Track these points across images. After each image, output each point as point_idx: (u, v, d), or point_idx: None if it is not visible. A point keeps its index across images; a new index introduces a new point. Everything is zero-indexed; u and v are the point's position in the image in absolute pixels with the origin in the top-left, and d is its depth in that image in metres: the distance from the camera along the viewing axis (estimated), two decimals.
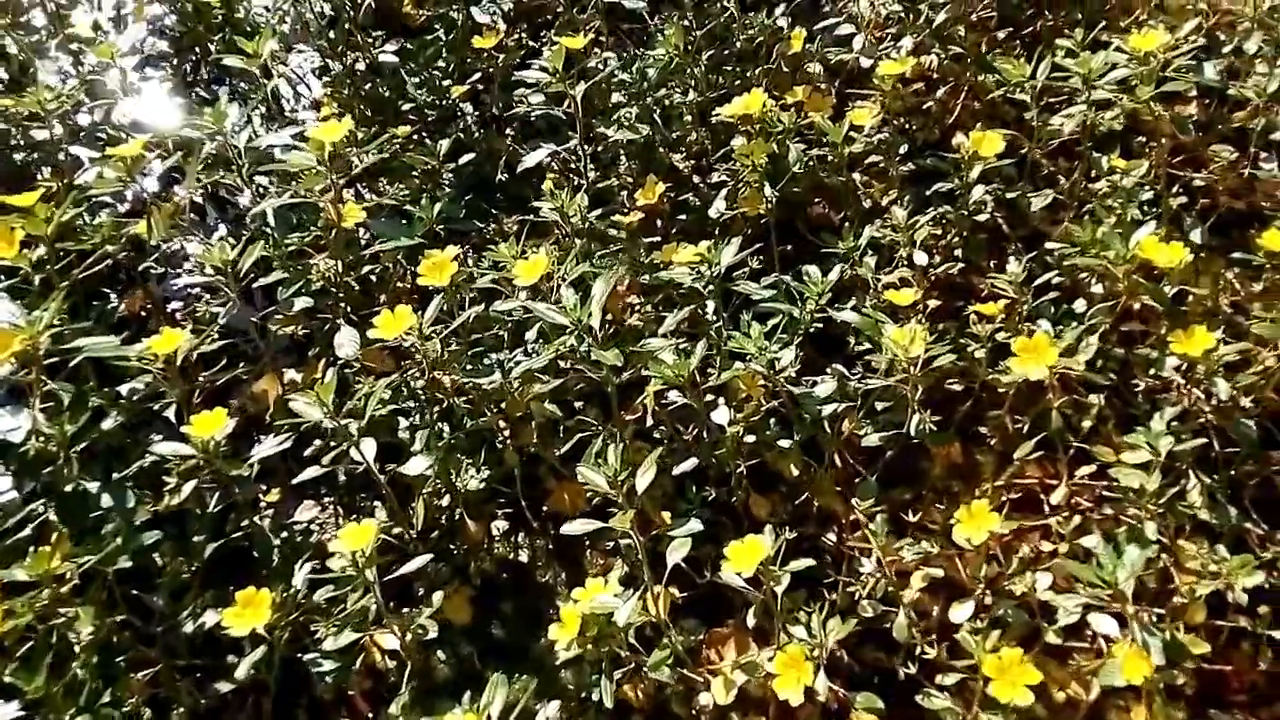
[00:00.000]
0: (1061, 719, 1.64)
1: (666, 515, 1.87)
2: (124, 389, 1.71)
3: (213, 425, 1.52)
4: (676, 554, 1.50)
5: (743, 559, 1.44)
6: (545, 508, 2.00)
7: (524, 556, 1.99)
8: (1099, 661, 1.58)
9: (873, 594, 1.65)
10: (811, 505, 1.90)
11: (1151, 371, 1.80)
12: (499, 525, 2.03)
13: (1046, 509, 1.84)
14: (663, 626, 1.54)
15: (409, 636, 1.49)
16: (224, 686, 1.48)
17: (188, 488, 1.52)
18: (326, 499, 2.07)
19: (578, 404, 2.08)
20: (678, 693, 1.77)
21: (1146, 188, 2.05)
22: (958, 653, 1.52)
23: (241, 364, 1.89)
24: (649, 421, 1.91)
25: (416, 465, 1.58)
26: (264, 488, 1.98)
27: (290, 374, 2.12)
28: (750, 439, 1.77)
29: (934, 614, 1.73)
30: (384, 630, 1.51)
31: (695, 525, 1.45)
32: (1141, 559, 1.38)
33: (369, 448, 1.62)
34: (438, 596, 1.53)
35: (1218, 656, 1.61)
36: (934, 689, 1.51)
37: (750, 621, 1.61)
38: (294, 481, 1.65)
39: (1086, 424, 1.89)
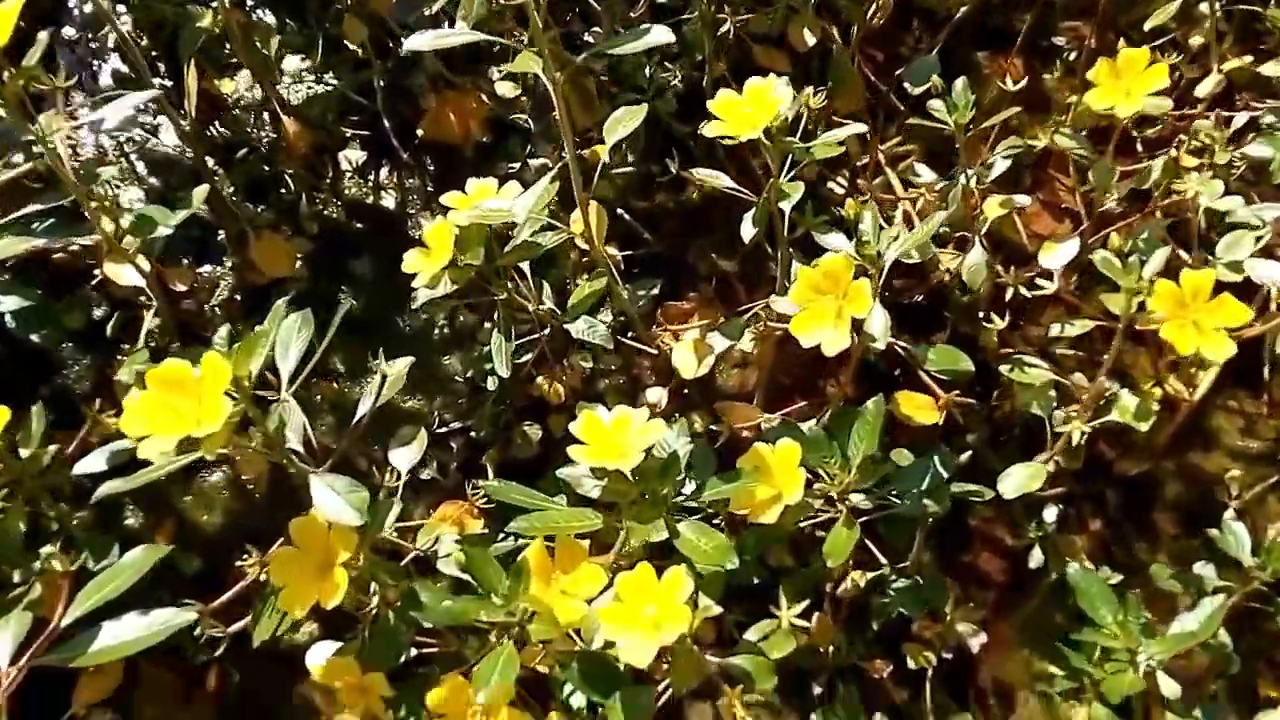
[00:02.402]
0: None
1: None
2: None
3: None
4: (624, 127, 0.85)
5: (741, 118, 0.79)
6: (421, 134, 1.33)
7: (390, 201, 1.35)
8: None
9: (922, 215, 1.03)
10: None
11: None
12: (352, 156, 1.36)
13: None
14: (592, 250, 0.91)
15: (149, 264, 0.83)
16: None
17: None
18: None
19: None
20: (616, 386, 1.21)
21: None
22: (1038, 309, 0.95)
23: None
24: None
25: None
26: None
27: None
28: None
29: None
30: (109, 253, 0.85)
31: (665, 33, 0.77)
32: None
33: None
34: (199, 191, 0.86)
35: None
36: (1030, 353, 0.94)
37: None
38: None
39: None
